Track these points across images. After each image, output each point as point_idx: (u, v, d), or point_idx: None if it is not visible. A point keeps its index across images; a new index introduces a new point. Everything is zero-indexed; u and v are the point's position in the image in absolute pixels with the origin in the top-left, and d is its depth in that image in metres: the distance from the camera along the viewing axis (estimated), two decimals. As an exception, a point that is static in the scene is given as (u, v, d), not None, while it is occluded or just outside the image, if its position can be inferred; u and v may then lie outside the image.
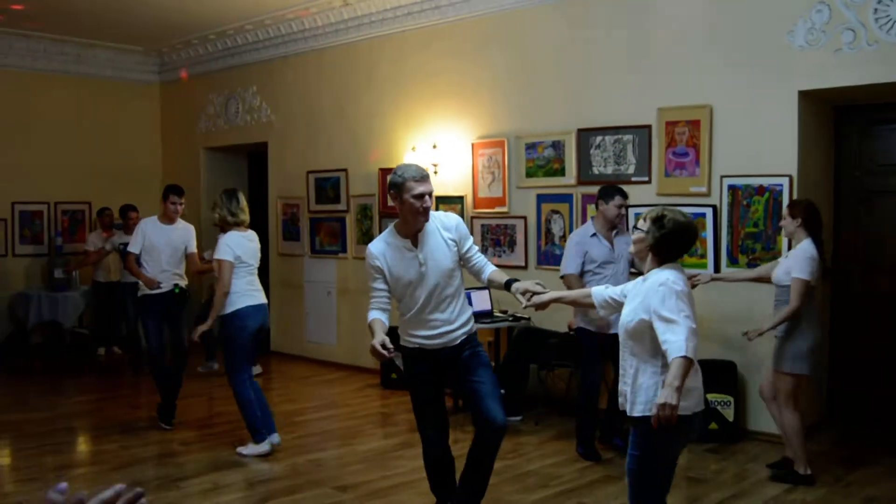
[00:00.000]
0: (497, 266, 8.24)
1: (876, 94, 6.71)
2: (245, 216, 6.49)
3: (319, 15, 9.74)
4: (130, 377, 9.59)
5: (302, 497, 5.46)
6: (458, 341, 4.57)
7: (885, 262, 7.02)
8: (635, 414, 3.67)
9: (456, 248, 4.57)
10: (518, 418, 7.40)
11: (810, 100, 6.74)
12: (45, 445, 6.59)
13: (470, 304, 7.74)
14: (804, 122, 6.69)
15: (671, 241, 3.70)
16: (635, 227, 3.83)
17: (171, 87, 12.38)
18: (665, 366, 3.53)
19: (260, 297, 6.47)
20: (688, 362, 3.40)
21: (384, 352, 4.11)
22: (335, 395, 8.67)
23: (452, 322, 4.55)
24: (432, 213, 4.54)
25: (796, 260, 5.55)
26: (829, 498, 5.44)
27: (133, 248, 7.22)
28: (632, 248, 3.93)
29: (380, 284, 4.50)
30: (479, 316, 7.71)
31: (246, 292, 6.34)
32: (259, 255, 6.65)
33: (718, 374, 6.69)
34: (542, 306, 4.29)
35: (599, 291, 4.09)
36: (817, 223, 5.71)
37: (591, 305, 4.14)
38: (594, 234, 6.31)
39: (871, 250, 7.12)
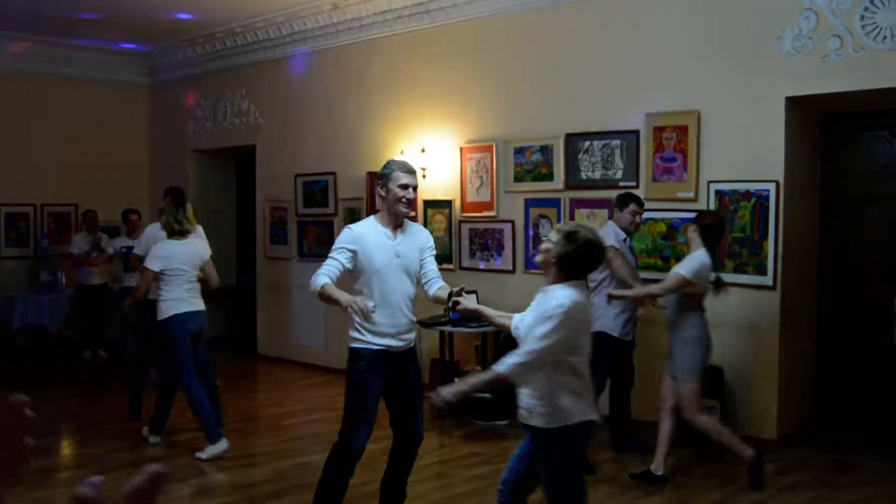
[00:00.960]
0: (485, 271, 8.30)
1: (863, 101, 6.75)
2: (189, 226, 6.61)
3: (309, 18, 9.74)
4: (116, 380, 9.53)
5: (287, 501, 5.45)
6: (413, 345, 4.69)
7: (873, 268, 7.05)
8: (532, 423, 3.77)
9: (420, 257, 4.67)
10: (505, 422, 7.41)
11: (798, 106, 6.78)
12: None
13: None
14: (791, 129, 6.72)
15: (578, 259, 3.70)
16: (545, 237, 3.84)
17: (160, 89, 12.35)
18: (555, 373, 3.65)
19: (198, 304, 6.61)
20: (498, 378, 3.67)
21: (365, 308, 4.18)
22: (322, 398, 8.64)
23: (412, 326, 4.69)
24: (414, 223, 4.60)
25: (685, 260, 5.78)
26: (816, 502, 5.46)
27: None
28: (538, 258, 3.90)
29: (342, 257, 4.56)
30: (467, 320, 7.71)
31: (184, 299, 6.48)
32: (204, 257, 6.75)
33: (705, 380, 6.70)
34: (465, 312, 4.37)
35: (517, 319, 3.98)
36: (716, 236, 5.86)
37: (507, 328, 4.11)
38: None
39: (859, 257, 7.15)
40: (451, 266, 8.68)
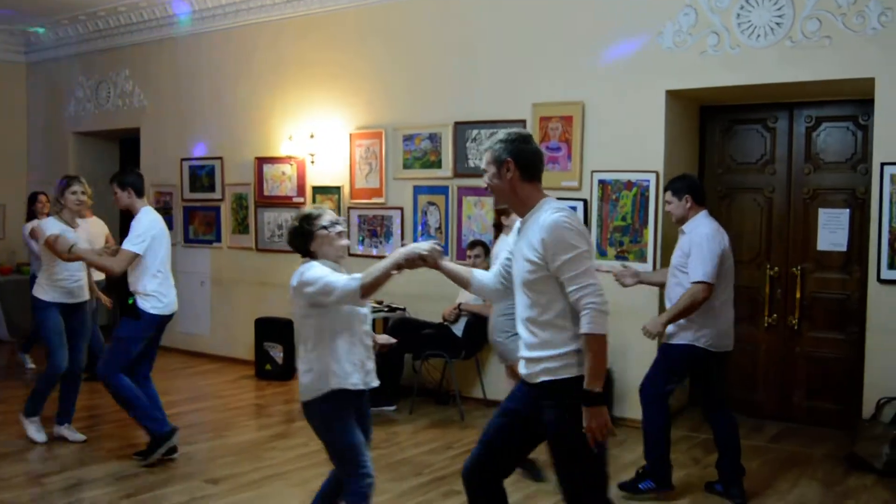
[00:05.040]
0: (374, 258, 8.31)
1: (738, 96, 7.04)
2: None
3: (196, -1, 9.56)
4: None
5: (171, 491, 5.36)
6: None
7: (744, 254, 7.35)
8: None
9: None
10: (392, 408, 7.45)
11: (677, 99, 7.01)
12: None
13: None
14: (671, 121, 6.95)
15: None
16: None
17: (38, 67, 11.90)
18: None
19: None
20: None
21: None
22: (207, 386, 8.52)
23: None
24: None
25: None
26: (688, 479, 5.70)
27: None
28: None
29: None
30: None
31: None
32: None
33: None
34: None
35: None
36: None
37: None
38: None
39: (732, 244, 7.40)
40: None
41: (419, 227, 8.12)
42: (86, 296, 6.60)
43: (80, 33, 11.00)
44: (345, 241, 4.00)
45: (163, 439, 5.88)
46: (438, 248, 3.69)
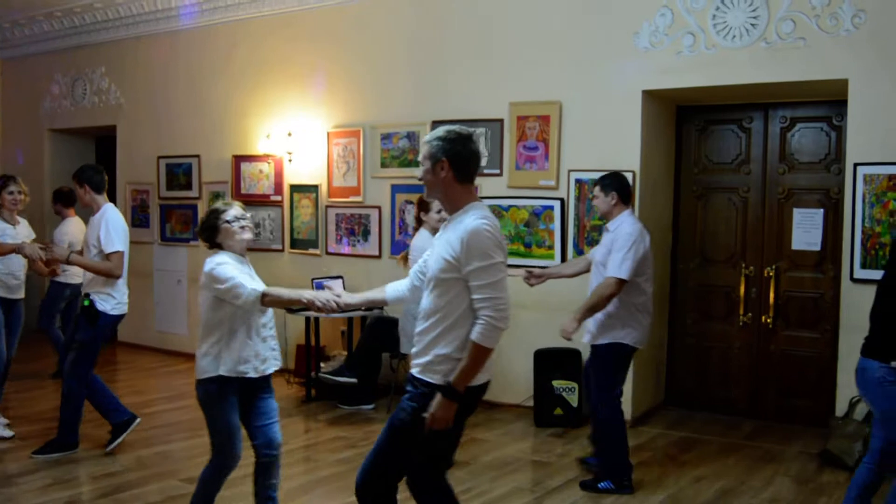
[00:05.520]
0: (351, 256, 8.32)
1: (713, 96, 7.10)
2: None
3: (173, -4, 9.51)
4: None
5: (148, 490, 5.34)
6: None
7: (719, 253, 7.43)
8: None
9: None
10: (370, 406, 7.46)
11: (653, 99, 7.06)
12: None
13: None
14: (647, 121, 7.00)
15: None
16: None
17: (13, 64, 11.80)
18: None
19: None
20: None
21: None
22: (184, 385, 8.48)
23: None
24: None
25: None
26: (663, 477, 5.74)
27: None
28: None
29: None
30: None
31: None
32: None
33: (563, 362, 6.94)
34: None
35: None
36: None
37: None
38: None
39: (707, 243, 7.52)
40: (317, 251, 8.67)
41: (399, 225, 8.13)
42: (22, 294, 6.71)
43: (55, 29, 10.92)
44: (248, 235, 4.27)
45: (65, 448, 6.06)
46: (335, 301, 3.83)
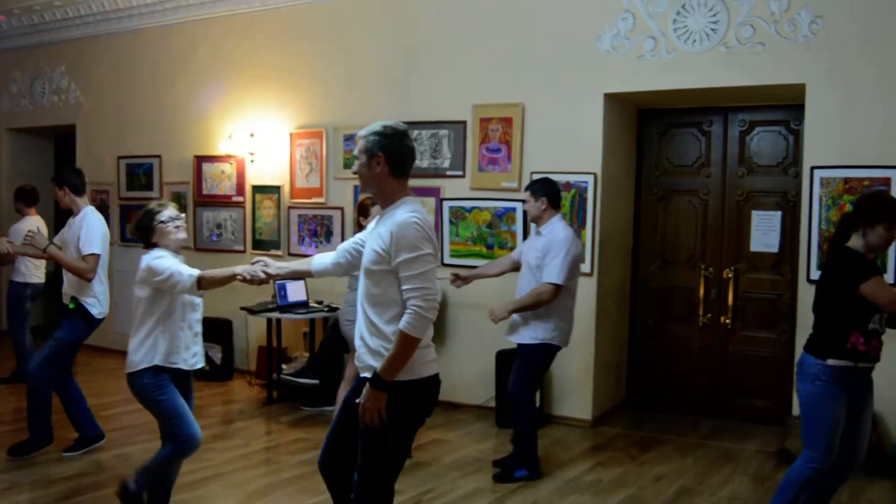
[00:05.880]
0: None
1: (674, 99, 7.18)
2: None
3: (134, -5, 9.42)
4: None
5: (107, 493, 5.28)
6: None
7: (679, 255, 7.51)
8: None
9: None
10: (332, 408, 7.43)
11: (615, 102, 7.12)
12: None
13: (285, 294, 7.76)
14: (609, 124, 7.05)
15: None
16: None
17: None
18: None
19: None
20: None
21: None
22: (145, 387, 8.41)
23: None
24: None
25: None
26: (624, 476, 5.79)
27: None
28: None
29: None
30: (294, 306, 7.71)
31: None
32: None
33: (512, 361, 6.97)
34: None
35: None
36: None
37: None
38: None
39: (668, 245, 7.59)
40: (279, 252, 8.63)
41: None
42: None
43: (14, 27, 10.78)
44: (182, 235, 4.46)
45: (38, 446, 6.01)
46: (261, 270, 4.00)
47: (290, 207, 8.59)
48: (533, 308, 5.53)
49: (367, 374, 3.42)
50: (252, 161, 8.77)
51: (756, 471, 5.95)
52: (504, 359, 7.04)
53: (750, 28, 6.38)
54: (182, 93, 9.37)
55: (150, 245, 4.41)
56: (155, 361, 4.33)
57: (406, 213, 3.38)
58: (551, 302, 5.47)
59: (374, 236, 3.47)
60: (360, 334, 3.50)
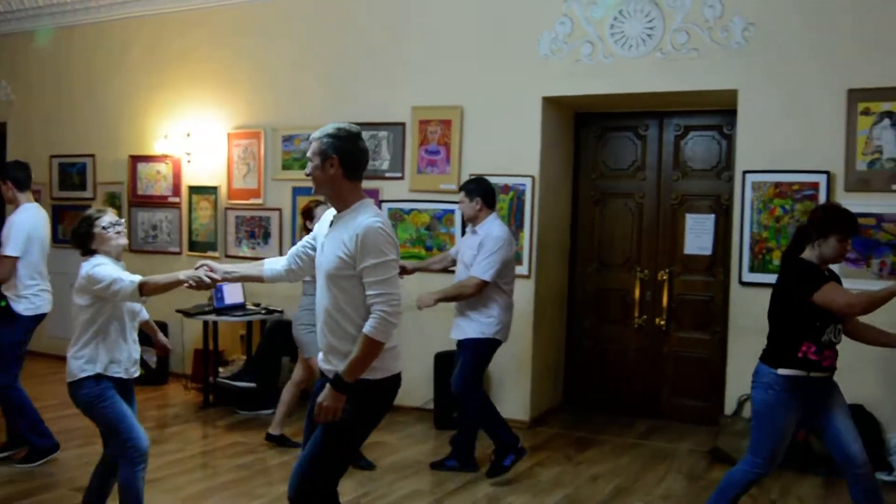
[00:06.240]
0: (251, 258, 8.18)
1: (611, 103, 7.27)
2: None
3: (68, -10, 9.24)
4: None
5: (40, 499, 5.18)
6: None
7: (615, 257, 7.61)
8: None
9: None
10: (270, 411, 7.38)
11: (553, 106, 7.19)
12: None
13: (222, 296, 7.68)
14: (547, 127, 7.12)
15: None
16: None
17: None
18: None
19: None
20: None
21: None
22: (78, 391, 8.25)
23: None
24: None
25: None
26: (561, 476, 5.85)
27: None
28: None
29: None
30: (231, 308, 7.63)
31: None
32: None
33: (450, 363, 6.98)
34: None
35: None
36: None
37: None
38: None
39: (604, 247, 7.69)
40: (216, 254, 8.53)
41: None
42: None
43: (-60, 22, 10.50)
44: (123, 241, 4.36)
45: (46, 453, 5.92)
46: (205, 275, 3.86)
47: (227, 208, 8.50)
48: (456, 299, 5.68)
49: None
50: (189, 161, 8.67)
51: (690, 469, 6.05)
52: (442, 361, 7.05)
53: (685, 34, 6.49)
54: (117, 91, 9.22)
55: (88, 252, 4.28)
56: (97, 370, 4.22)
57: (369, 217, 3.38)
58: (474, 296, 5.58)
59: (335, 242, 3.44)
60: (326, 338, 3.49)
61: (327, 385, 3.38)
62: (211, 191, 8.60)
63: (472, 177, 7.16)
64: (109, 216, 4.36)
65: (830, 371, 4.17)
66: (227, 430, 6.93)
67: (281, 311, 7.82)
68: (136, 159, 9.09)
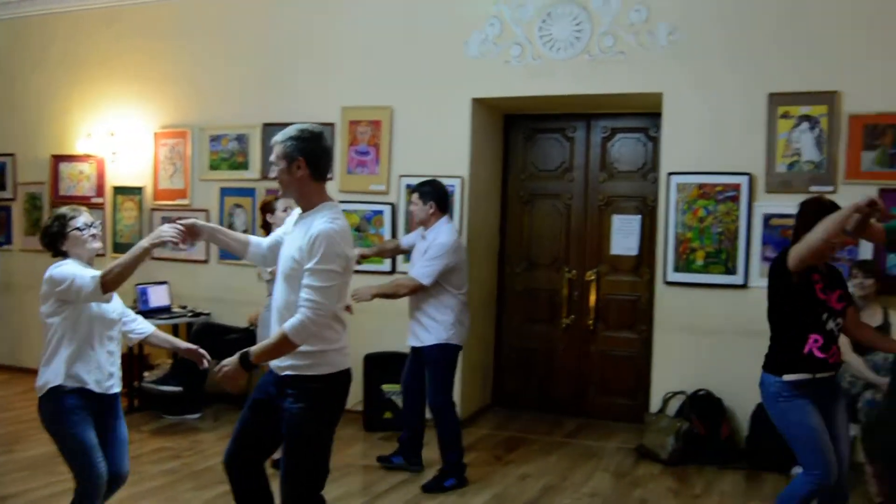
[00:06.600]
0: (177, 260, 8.04)
1: (539, 105, 7.33)
2: None
3: (-16, -16, 8.99)
4: None
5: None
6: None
7: (544, 257, 7.68)
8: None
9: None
10: (197, 415, 7.29)
11: (482, 107, 7.22)
12: None
13: (147, 299, 7.55)
14: (476, 128, 7.15)
15: None
16: None
17: None
18: None
19: None
20: None
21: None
22: (1, 398, 8.05)
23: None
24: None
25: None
26: (489, 476, 5.88)
27: None
28: None
29: None
30: (157, 311, 7.51)
31: None
32: None
33: (392, 366, 6.97)
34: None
35: None
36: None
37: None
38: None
39: (532, 247, 7.75)
40: (141, 255, 8.36)
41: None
42: None
43: None
44: (98, 244, 4.07)
45: None
46: (173, 227, 3.66)
47: (152, 209, 8.35)
48: (392, 297, 5.65)
49: (289, 373, 3.46)
50: (113, 161, 8.50)
51: (616, 467, 6.14)
52: (372, 362, 7.04)
53: (611, 38, 6.58)
54: (37, 87, 8.98)
55: (59, 254, 4.00)
56: (60, 381, 3.86)
57: (324, 222, 3.38)
58: (408, 296, 5.60)
59: (293, 243, 3.45)
60: None
61: (236, 355, 3.41)
62: (136, 191, 8.44)
63: (403, 178, 7.19)
64: (85, 216, 4.05)
65: (835, 368, 4.05)
66: (152, 436, 6.82)
67: (208, 314, 7.72)
68: (58, 159, 8.87)
